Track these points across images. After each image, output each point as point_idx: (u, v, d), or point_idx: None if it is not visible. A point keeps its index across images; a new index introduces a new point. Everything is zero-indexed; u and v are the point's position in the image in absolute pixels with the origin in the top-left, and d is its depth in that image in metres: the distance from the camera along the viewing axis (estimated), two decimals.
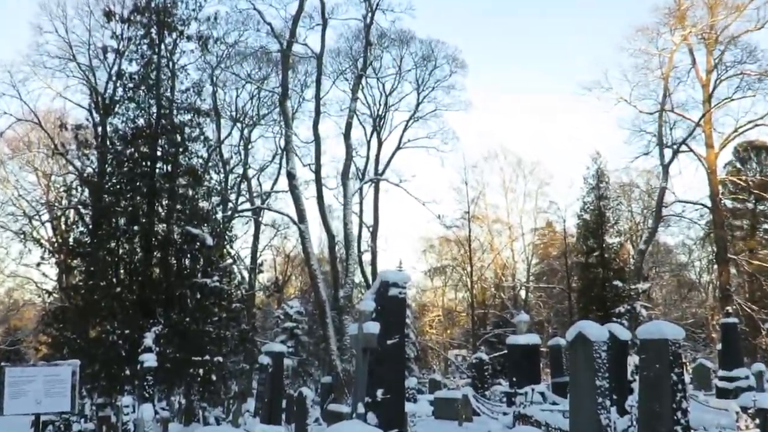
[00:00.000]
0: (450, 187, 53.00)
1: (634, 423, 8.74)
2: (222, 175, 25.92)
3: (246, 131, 29.89)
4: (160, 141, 15.16)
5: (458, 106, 31.62)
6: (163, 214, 14.97)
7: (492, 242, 35.52)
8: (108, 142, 15.89)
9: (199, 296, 14.21)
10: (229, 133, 29.46)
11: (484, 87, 56.78)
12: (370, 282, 25.98)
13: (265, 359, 12.06)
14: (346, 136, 22.79)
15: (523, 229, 35.71)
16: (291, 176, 20.64)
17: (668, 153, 26.03)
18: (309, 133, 24.15)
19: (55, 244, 21.61)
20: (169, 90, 15.64)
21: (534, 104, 59.78)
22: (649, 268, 31.01)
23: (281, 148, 27.99)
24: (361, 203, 28.40)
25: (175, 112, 15.48)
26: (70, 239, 15.85)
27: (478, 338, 29.74)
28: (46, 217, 26.42)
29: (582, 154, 64.64)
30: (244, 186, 29.75)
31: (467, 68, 31.52)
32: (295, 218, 20.64)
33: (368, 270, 28.74)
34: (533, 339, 14.79)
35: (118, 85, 18.07)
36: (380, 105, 30.57)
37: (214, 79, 26.78)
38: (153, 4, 15.68)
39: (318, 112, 22.23)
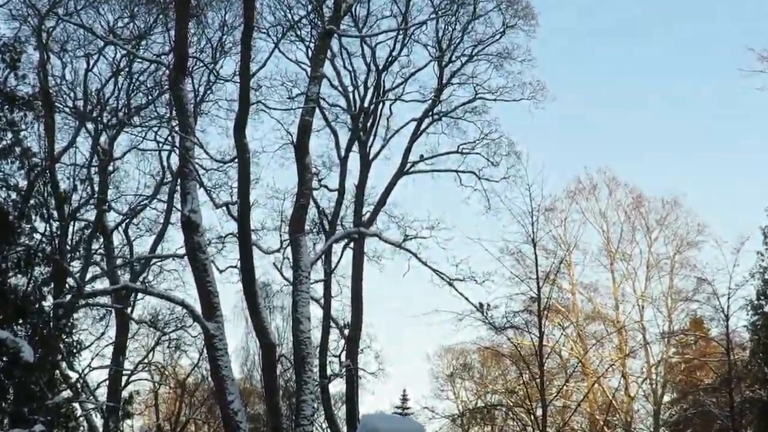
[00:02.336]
0: (503, 248, 32.72)
1: None
2: (56, 224, 19.31)
3: (104, 139, 21.98)
4: None
5: (519, 93, 24.59)
6: None
7: (585, 359, 27.21)
8: None
9: None
10: (72, 143, 21.08)
11: (571, 60, 48.18)
12: None
13: None
14: (299, 147, 17.87)
15: (646, 334, 28.71)
16: (190, 226, 16.00)
17: None
18: (226, 144, 22.07)
19: None
20: None
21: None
22: None
23: (170, 172, 22.44)
24: (327, 279, 22.83)
25: None
26: None
27: None
28: None
29: (758, 191, 45.92)
30: (98, 245, 22.31)
31: (536, 21, 24.93)
32: (198, 310, 16.34)
33: (340, 412, 24.51)
34: None
35: None
36: (367, 89, 24.26)
37: (43, 37, 19.69)
38: None
39: (245, 103, 16.79)
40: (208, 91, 23.27)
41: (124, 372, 21.97)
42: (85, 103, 20.78)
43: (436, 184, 29.18)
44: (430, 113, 24.46)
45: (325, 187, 23.58)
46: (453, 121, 25.32)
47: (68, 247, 19.93)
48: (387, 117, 24.83)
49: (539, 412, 20.61)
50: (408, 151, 24.12)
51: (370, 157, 23.81)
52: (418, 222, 24.13)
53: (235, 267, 20.35)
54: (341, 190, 23.21)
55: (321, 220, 23.17)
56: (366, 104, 23.77)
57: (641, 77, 55.81)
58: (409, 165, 24.10)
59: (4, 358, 11.69)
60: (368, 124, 24.07)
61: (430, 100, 24.29)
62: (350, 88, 24.17)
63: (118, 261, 21.74)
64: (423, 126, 24.62)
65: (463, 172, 24.62)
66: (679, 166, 52.92)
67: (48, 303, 14.70)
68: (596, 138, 54.64)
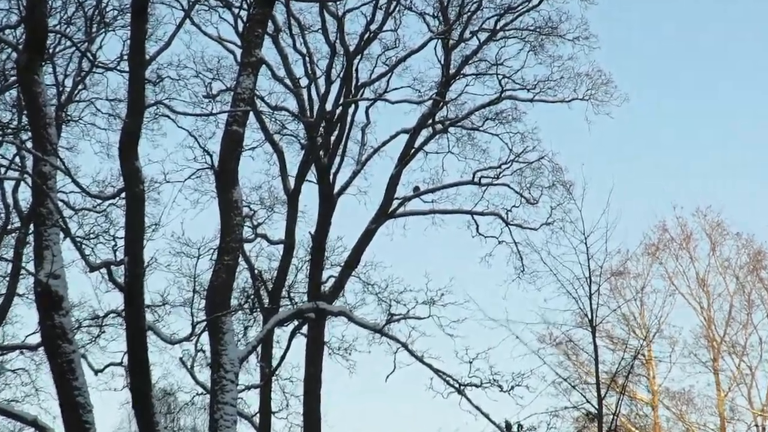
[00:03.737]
0: (544, 335, 33.78)
1: None
2: None
3: None
4: None
5: (569, 89, 27.01)
6: None
7: None
8: None
9: None
10: None
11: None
12: None
13: None
14: (222, 175, 18.53)
15: None
16: (48, 300, 16.17)
17: None
18: (107, 169, 22.07)
19: None
20: None
21: None
22: None
23: (17, 213, 24.48)
24: (266, 384, 23.69)
25: None
26: None
27: None
28: None
29: None
30: None
31: None
32: None
33: None
34: None
35: None
36: (331, 83, 25.66)
37: None
38: None
39: (138, 104, 16.95)
40: (80, 86, 24.04)
41: None
42: None
43: (439, 233, 29.72)
44: (430, 121, 25.57)
45: (264, 237, 24.61)
46: (466, 133, 26.94)
47: None
48: (362, 127, 26.04)
49: None
50: (395, 180, 25.13)
51: (336, 190, 24.71)
52: (410, 293, 24.68)
53: (121, 364, 20.68)
54: (289, 243, 24.00)
55: (256, 290, 23.87)
56: (329, 107, 24.74)
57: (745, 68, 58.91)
58: (396, 203, 25.14)
59: None
60: (332, 139, 24.93)
61: (431, 101, 25.38)
62: (304, 82, 25.08)
63: None
64: (418, 141, 25.63)
65: (482, 213, 26.07)
66: None
67: None
68: (685, 162, 56.90)
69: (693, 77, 59.63)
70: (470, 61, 26.54)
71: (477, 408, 22.33)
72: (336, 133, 25.23)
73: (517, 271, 26.65)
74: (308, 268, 25.05)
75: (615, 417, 21.88)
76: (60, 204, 18.68)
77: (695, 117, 59.50)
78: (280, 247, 25.15)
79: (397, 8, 25.51)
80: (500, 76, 26.44)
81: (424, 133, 26.50)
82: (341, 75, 25.21)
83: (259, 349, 22.17)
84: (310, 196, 25.81)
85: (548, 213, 26.94)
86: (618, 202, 33.39)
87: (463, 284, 29.33)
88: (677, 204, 39.61)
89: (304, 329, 23.50)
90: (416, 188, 26.06)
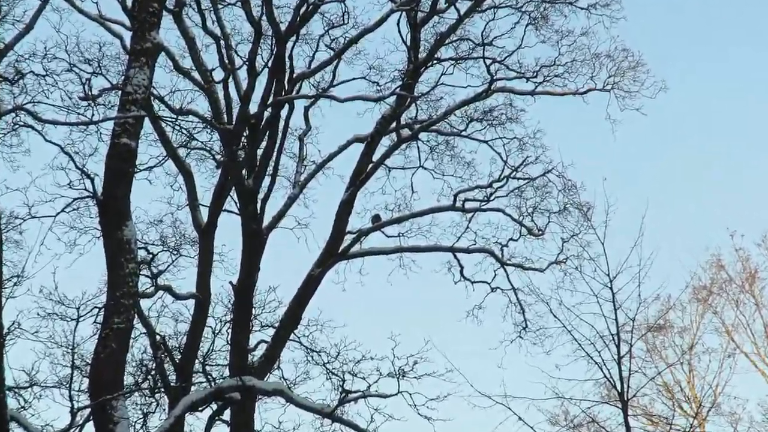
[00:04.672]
0: (557, 414, 37.65)
1: None
2: None
3: None
4: None
5: (584, 78, 27.95)
6: None
7: None
8: None
9: None
10: None
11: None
12: None
13: None
14: (108, 207, 19.84)
15: None
16: None
17: None
18: None
19: None
20: None
21: None
22: None
23: None
24: None
25: None
26: None
27: None
28: None
29: None
30: None
31: None
32: None
33: None
34: None
35: None
36: (256, 74, 25.98)
37: None
38: None
39: None
40: None
41: None
42: None
43: (409, 279, 29.52)
44: (394, 125, 25.94)
45: (168, 290, 24.35)
46: (443, 141, 27.45)
47: None
48: (300, 135, 26.54)
49: None
50: (346, 208, 25.37)
51: (265, 223, 24.97)
52: (371, 361, 24.66)
53: None
54: (202, 298, 23.97)
55: (159, 363, 23.54)
56: (254, 108, 24.87)
57: None
58: (349, 238, 25.41)
59: None
60: (259, 153, 25.16)
61: (394, 97, 25.60)
62: (219, 75, 25.02)
63: None
64: (378, 153, 25.89)
65: (468, 251, 26.37)
66: None
67: None
68: (746, 174, 58.27)
69: (747, 54, 60.49)
70: (447, 41, 26.75)
71: None
72: (264, 144, 25.19)
73: (517, 328, 26.80)
74: (229, 331, 24.90)
75: None
76: None
77: (757, 109, 60.72)
78: (191, 303, 24.71)
79: None
80: (489, 61, 26.62)
81: (386, 141, 26.50)
82: (270, 64, 25.16)
83: None
84: (230, 232, 25.72)
85: (559, 248, 27.09)
86: (654, 231, 33.54)
87: (445, 348, 28.98)
88: (735, 231, 39.63)
89: (227, 414, 23.57)
90: (376, 217, 26.09)
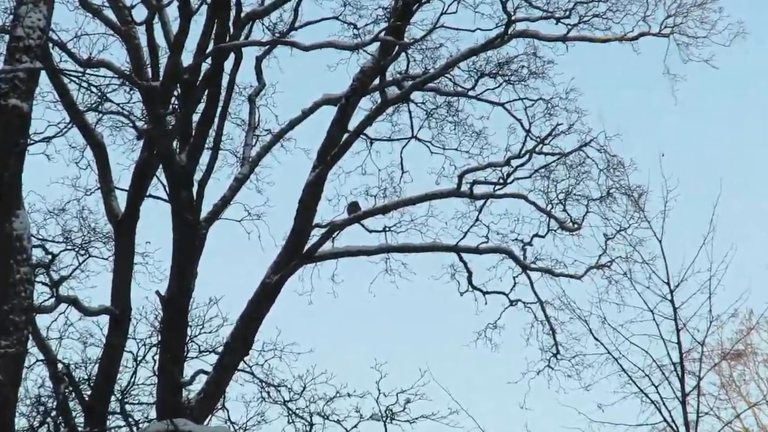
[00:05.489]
0: None
1: None
2: None
3: None
4: None
5: (635, 21, 27.94)
6: None
7: None
8: None
9: None
10: None
11: None
12: None
13: None
14: None
15: None
16: None
17: None
18: None
19: None
20: None
21: None
22: None
23: None
24: None
25: None
26: None
27: None
28: None
29: None
30: None
31: None
32: None
33: None
34: None
35: None
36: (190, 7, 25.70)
37: None
38: None
39: None
40: None
41: None
42: None
43: (397, 289, 29.72)
44: (377, 81, 25.89)
45: (73, 303, 24.42)
46: (444, 103, 27.89)
47: None
48: (251, 95, 26.91)
49: None
50: (313, 192, 25.46)
51: (204, 214, 25.19)
52: (347, 399, 25.48)
53: None
54: (119, 312, 24.05)
55: (62, 401, 23.88)
56: (188, 60, 24.64)
57: None
58: (316, 235, 25.49)
59: None
60: (194, 120, 25.26)
61: (377, 44, 25.47)
62: (140, 14, 24.71)
63: None
64: (355, 121, 25.99)
65: (479, 251, 26.68)
66: None
67: None
68: None
69: None
70: None
71: None
72: (202, 107, 25.35)
73: (546, 355, 27.12)
74: (156, 358, 25.03)
75: None
76: None
77: None
78: (104, 319, 24.78)
79: None
80: None
81: (366, 103, 26.64)
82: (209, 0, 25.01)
83: None
84: (156, 225, 26.05)
85: (601, 247, 27.54)
86: (730, 224, 34.15)
87: (447, 381, 29.49)
88: None
89: None
90: (353, 206, 26.20)
